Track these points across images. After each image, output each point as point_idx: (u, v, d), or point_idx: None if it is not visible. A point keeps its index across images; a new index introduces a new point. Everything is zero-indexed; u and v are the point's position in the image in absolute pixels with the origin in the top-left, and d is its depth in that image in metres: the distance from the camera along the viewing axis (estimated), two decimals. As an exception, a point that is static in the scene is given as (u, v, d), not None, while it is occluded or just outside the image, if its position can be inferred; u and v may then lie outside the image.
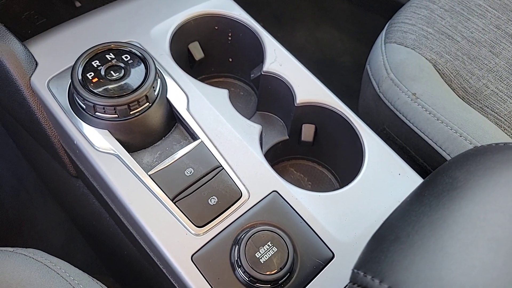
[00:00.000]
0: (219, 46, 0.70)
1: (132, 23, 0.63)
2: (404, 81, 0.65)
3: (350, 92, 1.48)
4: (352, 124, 0.58)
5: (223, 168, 0.51)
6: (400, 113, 0.65)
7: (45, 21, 0.78)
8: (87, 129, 0.52)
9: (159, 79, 0.54)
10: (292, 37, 1.64)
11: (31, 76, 0.55)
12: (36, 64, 0.56)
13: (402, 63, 0.68)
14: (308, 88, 0.61)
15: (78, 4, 0.80)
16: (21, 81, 0.55)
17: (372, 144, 0.56)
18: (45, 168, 0.77)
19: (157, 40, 0.61)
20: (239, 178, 0.51)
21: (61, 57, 0.57)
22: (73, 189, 0.66)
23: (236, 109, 0.58)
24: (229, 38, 0.70)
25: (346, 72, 1.49)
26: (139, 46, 0.60)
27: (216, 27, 0.68)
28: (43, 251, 0.48)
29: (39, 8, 0.80)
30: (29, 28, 0.77)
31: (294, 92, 0.60)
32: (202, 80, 0.75)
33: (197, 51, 0.68)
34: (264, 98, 0.66)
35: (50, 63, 0.56)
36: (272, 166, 0.54)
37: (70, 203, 0.77)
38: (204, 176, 0.50)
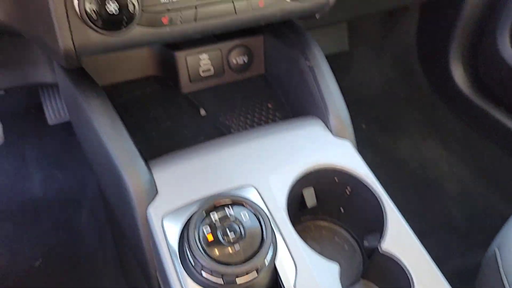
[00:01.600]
0: (334, 196, 0.66)
1: (252, 165, 0.61)
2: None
3: (453, 225, 1.32)
4: None
5: None
6: None
7: (169, 125, 0.82)
8: (188, 283, 0.50)
9: (272, 247, 0.50)
10: (394, 146, 1.56)
11: (148, 205, 0.56)
12: (156, 192, 0.57)
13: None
14: (429, 282, 0.53)
15: (203, 112, 0.83)
16: (139, 209, 0.56)
17: None
18: (133, 279, 0.77)
19: (276, 189, 0.59)
20: None
21: (181, 190, 0.57)
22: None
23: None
24: (347, 192, 0.65)
25: (450, 201, 1.35)
26: (258, 193, 0.58)
27: (336, 179, 0.64)
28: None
29: (167, 109, 0.84)
30: (153, 129, 0.81)
31: (413, 285, 0.53)
32: (305, 221, 0.71)
33: (310, 199, 0.65)
34: (374, 272, 0.60)
35: (169, 195, 0.56)
36: None
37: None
38: None
